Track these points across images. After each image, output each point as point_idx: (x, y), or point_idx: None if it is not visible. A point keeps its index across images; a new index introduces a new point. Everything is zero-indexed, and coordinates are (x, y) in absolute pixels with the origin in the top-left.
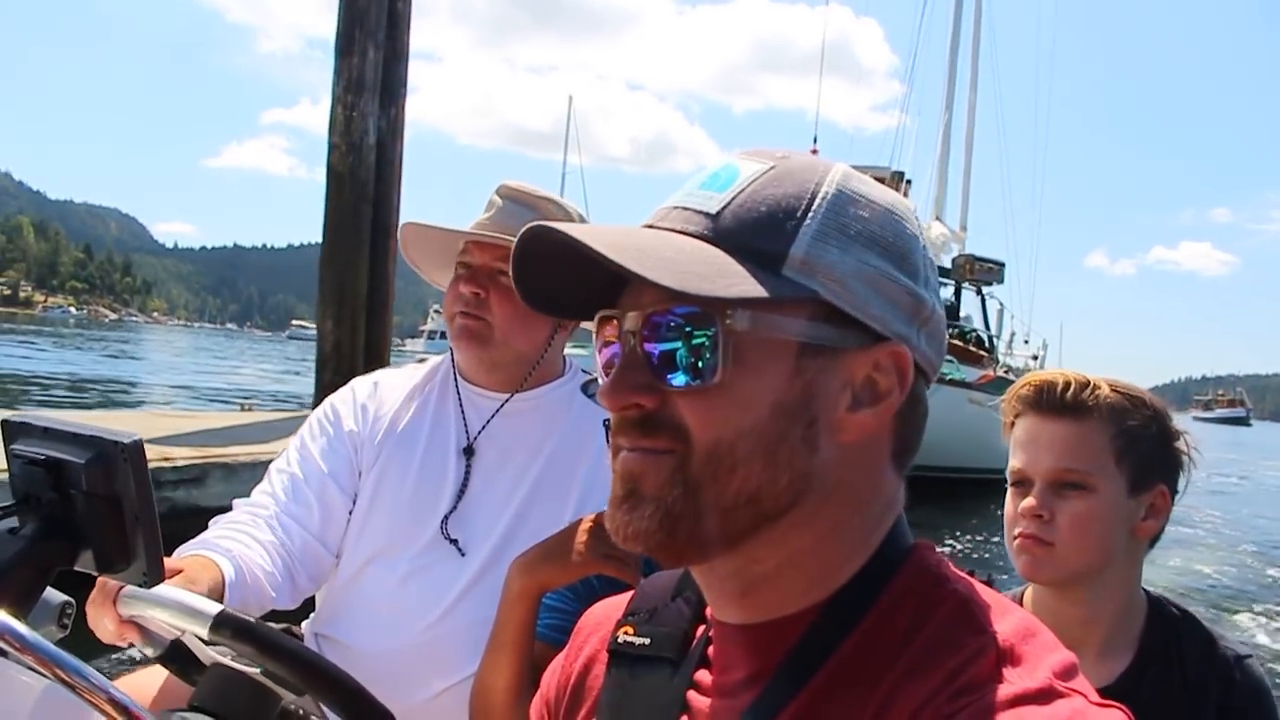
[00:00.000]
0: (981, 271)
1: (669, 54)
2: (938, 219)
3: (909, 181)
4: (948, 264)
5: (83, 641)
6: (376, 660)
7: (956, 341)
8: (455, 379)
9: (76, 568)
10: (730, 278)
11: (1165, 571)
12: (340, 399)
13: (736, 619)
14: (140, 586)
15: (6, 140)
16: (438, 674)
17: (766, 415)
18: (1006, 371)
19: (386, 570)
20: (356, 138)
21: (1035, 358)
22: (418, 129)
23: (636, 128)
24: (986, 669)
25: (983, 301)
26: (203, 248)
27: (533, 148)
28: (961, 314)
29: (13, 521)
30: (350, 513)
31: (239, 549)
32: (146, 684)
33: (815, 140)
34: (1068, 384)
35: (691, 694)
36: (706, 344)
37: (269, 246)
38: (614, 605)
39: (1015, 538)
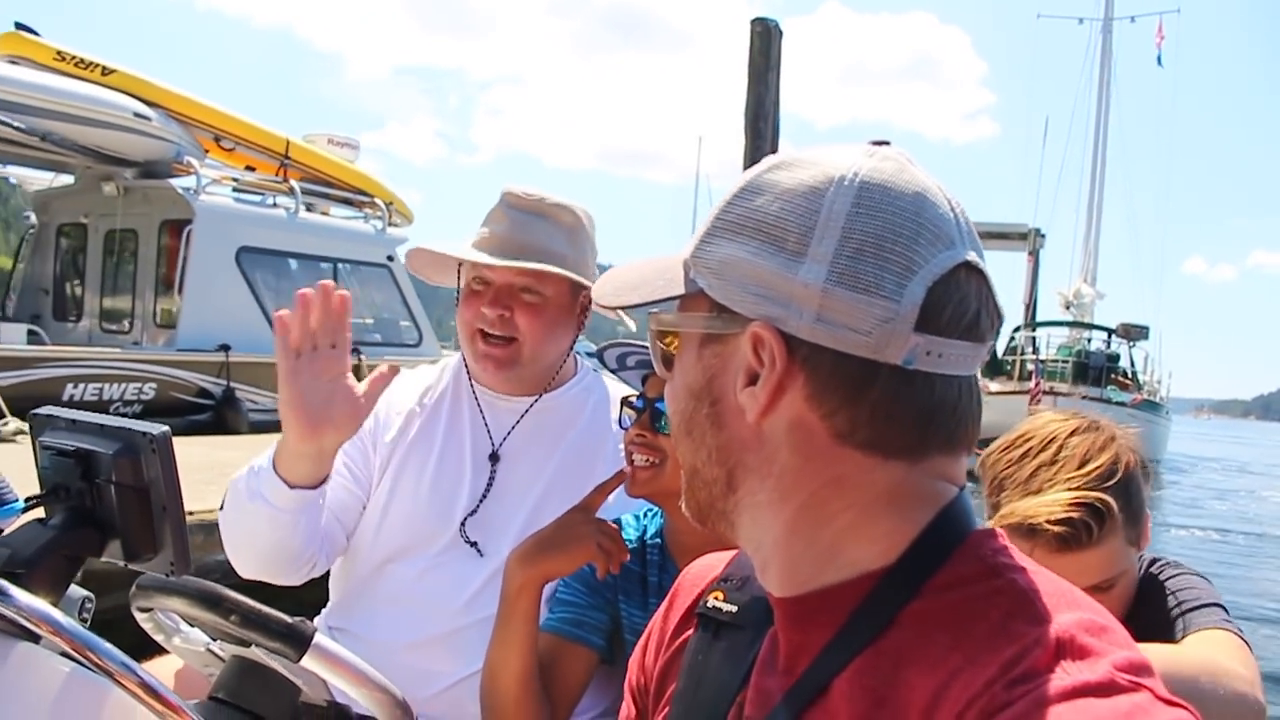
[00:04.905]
0: (1135, 334)
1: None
2: (1084, 282)
3: (1043, 236)
4: (1099, 320)
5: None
6: (394, 651)
7: (1118, 378)
8: (470, 384)
9: (104, 558)
10: (648, 288)
11: None
12: None
13: (777, 591)
14: (167, 577)
15: None
16: (455, 664)
17: (684, 398)
18: (1149, 394)
19: (405, 567)
20: None
21: (1159, 381)
22: (502, 154)
23: (718, 143)
24: (1045, 659)
25: (1130, 349)
26: None
27: (620, 166)
28: (1120, 360)
29: (42, 512)
30: (364, 507)
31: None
32: (159, 674)
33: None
34: (1086, 524)
35: (756, 667)
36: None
37: None
38: (709, 565)
39: None
